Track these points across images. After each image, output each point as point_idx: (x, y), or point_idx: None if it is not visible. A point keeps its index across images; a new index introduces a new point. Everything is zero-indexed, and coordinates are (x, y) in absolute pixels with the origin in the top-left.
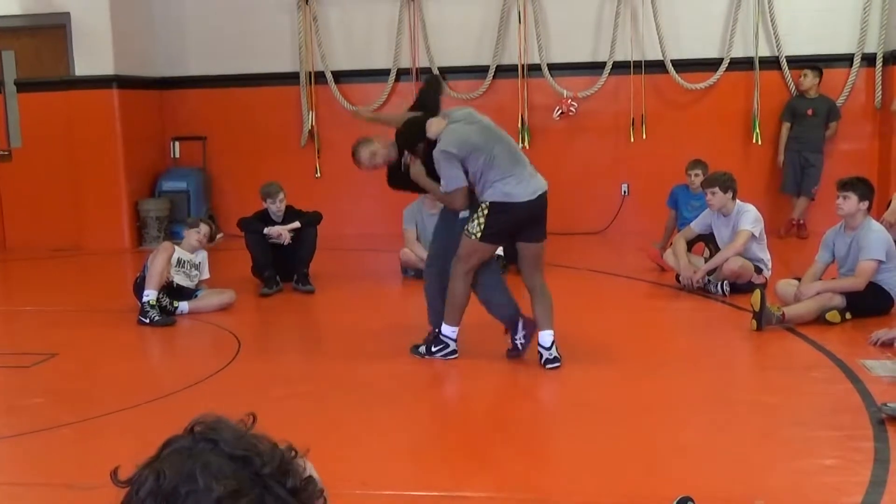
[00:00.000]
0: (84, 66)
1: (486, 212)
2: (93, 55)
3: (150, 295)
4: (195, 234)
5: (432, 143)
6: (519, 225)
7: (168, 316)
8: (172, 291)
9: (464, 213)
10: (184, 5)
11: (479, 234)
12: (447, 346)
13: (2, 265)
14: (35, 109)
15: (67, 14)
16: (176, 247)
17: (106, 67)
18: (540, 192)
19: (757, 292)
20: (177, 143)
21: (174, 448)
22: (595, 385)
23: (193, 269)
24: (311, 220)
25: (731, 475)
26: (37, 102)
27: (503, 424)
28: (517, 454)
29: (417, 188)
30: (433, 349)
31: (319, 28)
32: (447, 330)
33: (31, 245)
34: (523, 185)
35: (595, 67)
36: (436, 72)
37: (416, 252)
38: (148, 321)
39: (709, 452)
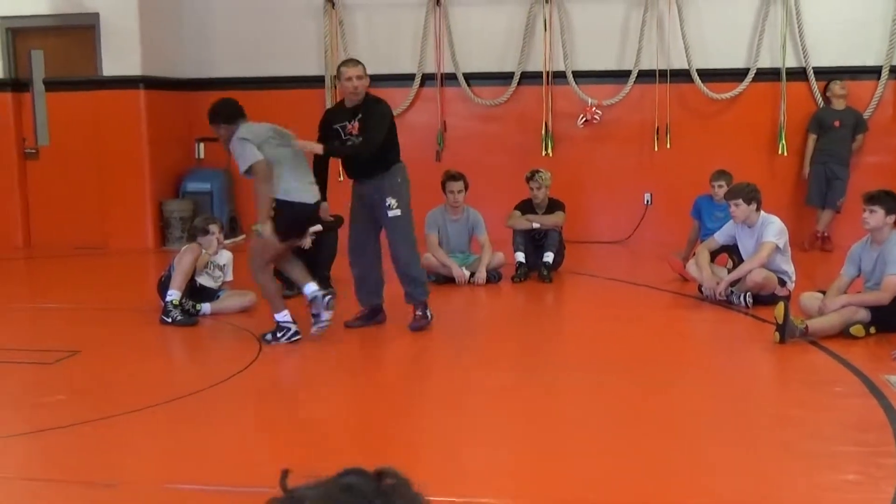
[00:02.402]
0: (112, 66)
1: (272, 213)
2: (121, 56)
3: (173, 295)
4: (212, 239)
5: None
6: (302, 223)
7: (190, 316)
8: (195, 292)
9: (391, 202)
10: (211, 8)
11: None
12: (289, 329)
13: (27, 262)
14: (63, 109)
15: (96, 14)
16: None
17: (133, 68)
18: (317, 200)
19: (781, 305)
20: (201, 144)
21: (350, 485)
22: (615, 394)
23: (217, 269)
24: (332, 224)
25: (750, 489)
26: (64, 102)
27: (522, 431)
28: (536, 461)
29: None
30: (278, 335)
31: (345, 32)
32: (280, 316)
33: (55, 243)
34: (305, 191)
35: (620, 76)
36: (461, 77)
37: (439, 257)
38: (170, 321)
39: (728, 465)
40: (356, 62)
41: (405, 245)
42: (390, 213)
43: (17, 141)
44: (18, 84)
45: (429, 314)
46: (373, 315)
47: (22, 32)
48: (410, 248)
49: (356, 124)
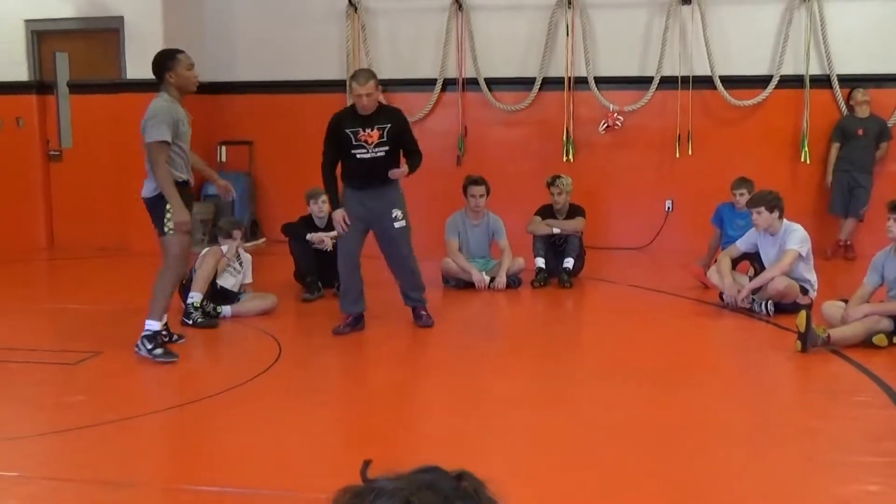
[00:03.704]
0: (135, 69)
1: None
2: (144, 59)
3: (194, 297)
4: (234, 243)
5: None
6: None
7: (211, 319)
8: (216, 295)
9: (397, 213)
10: (234, 12)
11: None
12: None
13: (49, 263)
14: (86, 111)
15: (121, 18)
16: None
17: None
18: (143, 196)
19: (802, 313)
20: (223, 148)
21: (431, 482)
22: (634, 403)
23: (238, 263)
24: None
25: (771, 499)
26: (88, 104)
27: (540, 438)
28: (554, 469)
29: None
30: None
31: (367, 37)
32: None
33: (78, 244)
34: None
35: (642, 82)
36: (482, 82)
37: (459, 262)
38: (191, 322)
39: (748, 476)
40: (367, 77)
41: (411, 255)
42: (396, 225)
43: (41, 143)
44: (43, 86)
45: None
46: (356, 322)
47: (47, 35)
48: (415, 258)
49: (374, 132)
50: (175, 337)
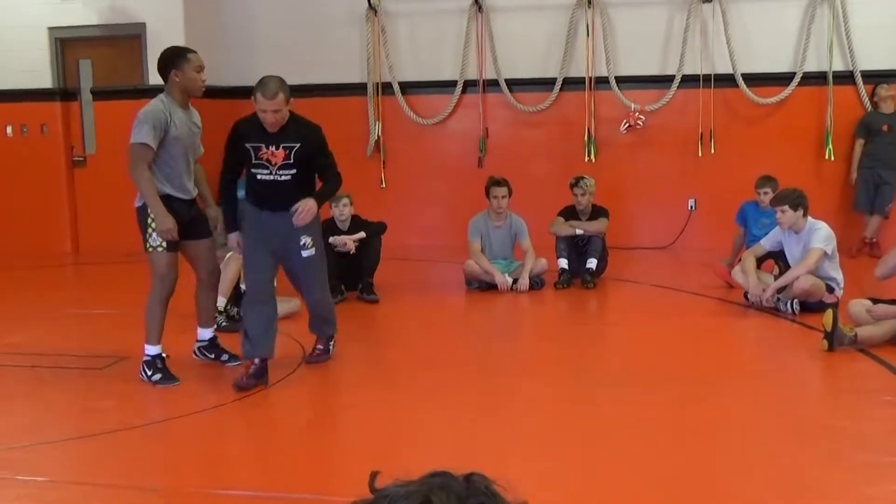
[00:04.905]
0: (158, 75)
1: None
2: None
3: (219, 302)
4: None
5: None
6: None
7: (235, 322)
8: (240, 299)
9: (306, 240)
10: (255, 17)
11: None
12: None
13: (75, 269)
14: (110, 117)
15: (143, 24)
16: None
17: None
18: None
19: (829, 312)
20: None
21: (443, 484)
22: (658, 403)
23: None
24: (376, 231)
25: (798, 499)
26: (112, 110)
27: (564, 439)
28: (578, 470)
29: None
30: (151, 374)
31: (387, 39)
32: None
33: (103, 250)
34: None
35: (663, 81)
36: (503, 83)
37: (482, 264)
38: (216, 326)
39: (774, 476)
40: (276, 88)
41: (320, 286)
42: (304, 254)
43: (65, 149)
44: (67, 93)
45: (330, 348)
46: (263, 372)
47: (70, 42)
48: (325, 289)
49: (279, 152)
50: (226, 357)
